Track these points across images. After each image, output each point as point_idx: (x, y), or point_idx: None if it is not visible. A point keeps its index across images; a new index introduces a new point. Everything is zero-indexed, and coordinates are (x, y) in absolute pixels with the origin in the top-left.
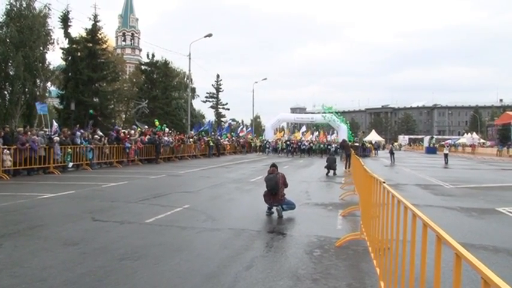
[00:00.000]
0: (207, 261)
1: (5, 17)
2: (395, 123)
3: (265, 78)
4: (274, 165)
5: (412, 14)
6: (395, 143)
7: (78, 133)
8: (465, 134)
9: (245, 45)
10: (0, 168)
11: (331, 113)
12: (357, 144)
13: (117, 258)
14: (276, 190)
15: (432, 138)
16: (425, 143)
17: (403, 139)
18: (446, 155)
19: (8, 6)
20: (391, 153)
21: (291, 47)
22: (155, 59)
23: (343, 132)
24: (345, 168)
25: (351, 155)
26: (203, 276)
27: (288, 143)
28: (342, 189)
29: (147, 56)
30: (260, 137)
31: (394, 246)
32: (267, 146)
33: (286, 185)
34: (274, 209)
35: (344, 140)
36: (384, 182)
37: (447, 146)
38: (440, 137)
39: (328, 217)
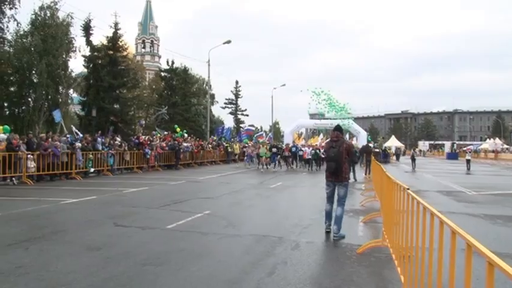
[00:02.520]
0: (229, 267)
1: (30, 26)
2: (415, 129)
3: (284, 84)
4: (338, 129)
5: (430, 19)
6: (417, 149)
7: (99, 139)
8: (487, 139)
9: (264, 51)
10: (24, 173)
11: (348, 118)
12: (377, 150)
13: (139, 263)
14: (337, 168)
15: (454, 143)
16: (446, 149)
17: (423, 145)
18: (468, 161)
19: (33, 16)
20: (413, 159)
21: (309, 53)
22: (175, 65)
23: (362, 138)
24: (365, 174)
25: (371, 161)
26: (225, 283)
27: (275, 149)
28: (363, 195)
29: (167, 62)
30: (244, 141)
31: (419, 253)
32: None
33: (351, 157)
34: (332, 226)
35: (366, 145)
36: (408, 189)
37: (469, 152)
38: (461, 142)
39: (349, 223)
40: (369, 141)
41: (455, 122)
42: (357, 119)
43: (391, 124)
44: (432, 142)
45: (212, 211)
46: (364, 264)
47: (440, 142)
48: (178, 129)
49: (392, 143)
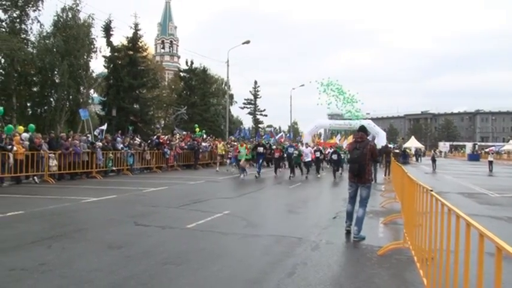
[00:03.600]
0: (249, 267)
1: (52, 27)
2: (435, 130)
3: (303, 85)
4: (362, 129)
5: (451, 18)
6: (437, 150)
7: (119, 139)
8: (510, 140)
9: (282, 51)
10: (46, 172)
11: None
12: (397, 151)
13: (160, 262)
14: (360, 170)
15: (475, 145)
16: (468, 150)
17: (444, 146)
18: (490, 162)
19: (56, 18)
20: (433, 160)
21: (328, 53)
22: (194, 66)
23: (381, 139)
24: (385, 175)
25: (391, 162)
26: (245, 282)
27: (261, 149)
28: (383, 196)
29: (186, 63)
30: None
31: (443, 256)
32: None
33: (375, 158)
34: (352, 227)
35: (385, 146)
36: (431, 190)
37: (492, 153)
38: (483, 143)
39: (369, 225)
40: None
41: (476, 123)
42: (376, 120)
43: (411, 125)
44: (453, 143)
45: (231, 211)
46: (385, 266)
47: (461, 143)
48: (197, 129)
49: (412, 143)
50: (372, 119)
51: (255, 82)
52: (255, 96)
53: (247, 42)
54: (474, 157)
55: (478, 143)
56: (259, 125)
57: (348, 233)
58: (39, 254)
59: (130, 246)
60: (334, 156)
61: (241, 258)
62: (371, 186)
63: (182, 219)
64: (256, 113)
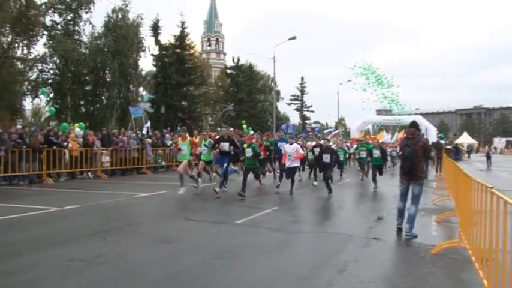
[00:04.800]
0: (299, 263)
1: (103, 28)
2: (489, 125)
3: (350, 80)
4: (414, 125)
5: (505, 8)
6: (492, 146)
7: (168, 135)
8: None
9: (329, 47)
10: (99, 168)
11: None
12: (449, 147)
13: (211, 257)
14: (412, 168)
15: None
16: None
17: (499, 141)
18: None
19: (106, 19)
20: (488, 156)
21: (375, 48)
22: (240, 62)
23: (432, 134)
24: (436, 172)
25: (443, 159)
26: (297, 278)
27: (228, 147)
28: (435, 194)
29: (232, 60)
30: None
31: (508, 257)
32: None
33: (428, 155)
34: (404, 225)
35: (436, 142)
36: (491, 188)
37: None
38: None
39: (421, 223)
40: (441, 138)
41: None
42: (425, 115)
43: (463, 120)
44: (509, 139)
45: (281, 207)
46: (439, 265)
47: None
48: (244, 126)
49: (465, 139)
50: (422, 114)
51: (302, 78)
52: (302, 92)
53: (294, 38)
54: None
55: None
56: (306, 121)
57: (400, 230)
58: (96, 247)
59: (181, 240)
60: (326, 158)
61: (291, 255)
62: (423, 184)
63: (232, 215)
64: (303, 109)
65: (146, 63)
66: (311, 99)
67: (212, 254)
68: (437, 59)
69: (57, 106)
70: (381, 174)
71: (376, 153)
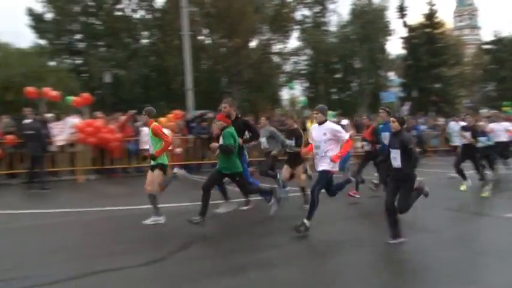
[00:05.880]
0: None
1: (349, 15)
2: None
3: None
4: None
5: None
6: None
7: (421, 120)
8: None
9: None
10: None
11: None
12: None
13: (475, 251)
14: None
15: None
16: None
17: None
18: None
19: (352, 6)
20: None
21: None
22: (501, 35)
23: None
24: None
25: None
26: None
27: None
28: None
29: (494, 34)
30: None
31: None
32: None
33: None
34: None
35: None
36: None
37: None
38: None
39: None
40: None
41: None
42: None
43: None
44: None
45: None
46: None
47: None
48: (505, 108)
49: None
50: None
51: None
52: None
53: None
54: None
55: None
56: None
57: None
58: (353, 229)
59: (442, 231)
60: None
61: None
62: None
63: (499, 207)
64: None
65: (394, 47)
66: None
67: (476, 249)
68: None
69: (312, 95)
70: None
71: None
